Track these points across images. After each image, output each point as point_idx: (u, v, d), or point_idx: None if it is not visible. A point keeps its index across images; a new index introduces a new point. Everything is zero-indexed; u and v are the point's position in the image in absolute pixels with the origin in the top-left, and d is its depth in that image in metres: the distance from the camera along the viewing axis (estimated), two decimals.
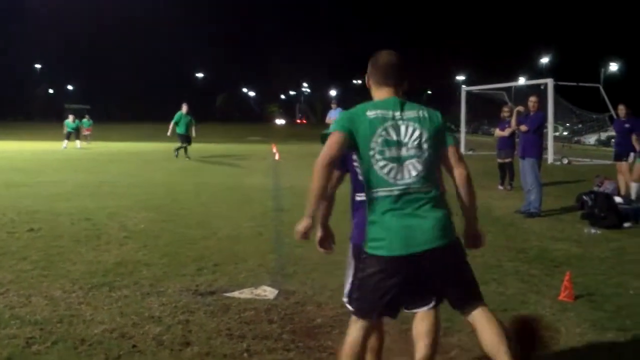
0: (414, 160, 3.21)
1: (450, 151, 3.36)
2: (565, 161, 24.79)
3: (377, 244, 3.17)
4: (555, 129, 30.22)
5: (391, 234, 3.15)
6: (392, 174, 3.20)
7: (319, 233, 3.63)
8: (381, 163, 3.20)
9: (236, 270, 6.71)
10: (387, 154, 3.20)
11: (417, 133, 3.24)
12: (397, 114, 3.26)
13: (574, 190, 13.06)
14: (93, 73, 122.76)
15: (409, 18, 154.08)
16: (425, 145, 3.24)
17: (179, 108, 23.48)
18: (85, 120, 36.09)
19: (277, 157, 23.52)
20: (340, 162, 3.42)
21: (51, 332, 4.75)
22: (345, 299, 3.68)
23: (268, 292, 5.92)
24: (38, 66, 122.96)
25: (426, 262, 3.15)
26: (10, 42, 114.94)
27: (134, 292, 5.82)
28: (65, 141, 29.54)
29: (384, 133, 3.21)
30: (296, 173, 17.84)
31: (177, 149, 23.58)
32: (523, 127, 10.99)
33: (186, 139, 23.61)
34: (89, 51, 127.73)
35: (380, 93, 3.40)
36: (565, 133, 39.14)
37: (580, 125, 37.68)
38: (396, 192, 3.19)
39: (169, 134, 23.90)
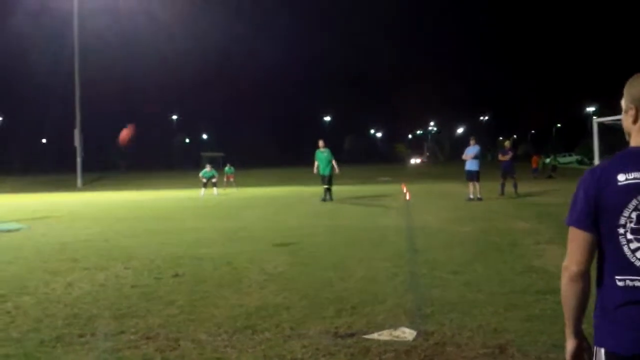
0: None
1: None
2: None
3: None
4: None
5: None
6: None
7: (571, 343, 2.58)
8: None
9: (374, 311, 6.73)
10: None
11: None
12: None
13: None
14: (225, 122, 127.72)
15: (531, 50, 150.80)
16: None
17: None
18: (227, 168, 37.47)
19: (407, 197, 23.47)
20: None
21: None
22: None
23: (407, 333, 5.89)
24: (175, 117, 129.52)
25: None
26: (148, 96, 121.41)
27: (276, 335, 5.95)
28: (203, 189, 30.72)
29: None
30: (427, 212, 17.81)
31: (327, 194, 23.64)
32: None
33: (325, 180, 23.74)
34: (222, 101, 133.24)
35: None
36: None
37: None
38: None
39: (314, 171, 24.27)
